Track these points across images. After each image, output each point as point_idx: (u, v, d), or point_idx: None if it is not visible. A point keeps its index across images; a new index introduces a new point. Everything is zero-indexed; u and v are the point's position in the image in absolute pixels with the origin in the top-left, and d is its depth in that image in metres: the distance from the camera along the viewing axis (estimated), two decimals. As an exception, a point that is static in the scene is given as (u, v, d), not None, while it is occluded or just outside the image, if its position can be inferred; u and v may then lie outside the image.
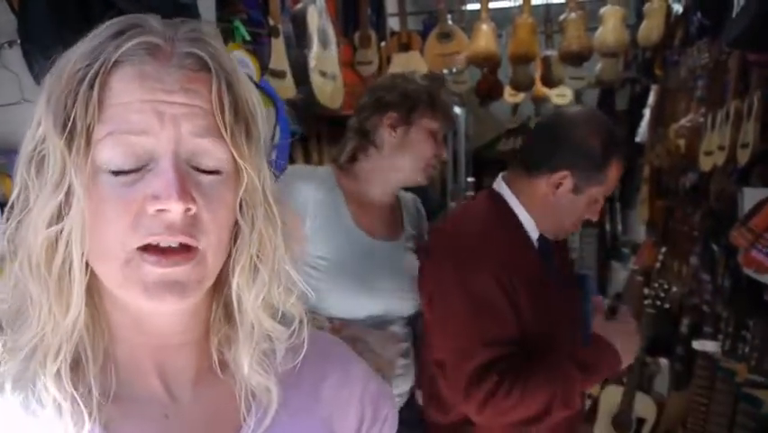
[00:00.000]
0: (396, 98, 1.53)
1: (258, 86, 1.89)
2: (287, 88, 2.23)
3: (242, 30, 1.93)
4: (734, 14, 1.83)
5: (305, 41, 2.43)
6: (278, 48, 2.20)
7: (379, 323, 1.50)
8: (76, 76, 0.53)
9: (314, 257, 1.44)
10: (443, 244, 1.43)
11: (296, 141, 2.55)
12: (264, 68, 2.07)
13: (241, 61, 1.90)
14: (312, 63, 2.42)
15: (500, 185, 1.46)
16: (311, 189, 1.47)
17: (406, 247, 1.61)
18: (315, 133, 2.89)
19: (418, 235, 1.67)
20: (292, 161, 2.55)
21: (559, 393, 1.28)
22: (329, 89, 2.50)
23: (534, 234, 1.43)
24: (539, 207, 1.41)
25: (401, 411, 1.52)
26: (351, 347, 1.39)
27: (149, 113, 0.53)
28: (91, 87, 0.52)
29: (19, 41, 1.26)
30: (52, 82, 0.55)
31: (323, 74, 2.48)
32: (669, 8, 3.27)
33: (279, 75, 2.20)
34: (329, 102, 2.50)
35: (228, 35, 1.93)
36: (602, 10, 3.68)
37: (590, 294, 1.46)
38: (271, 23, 2.16)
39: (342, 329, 1.43)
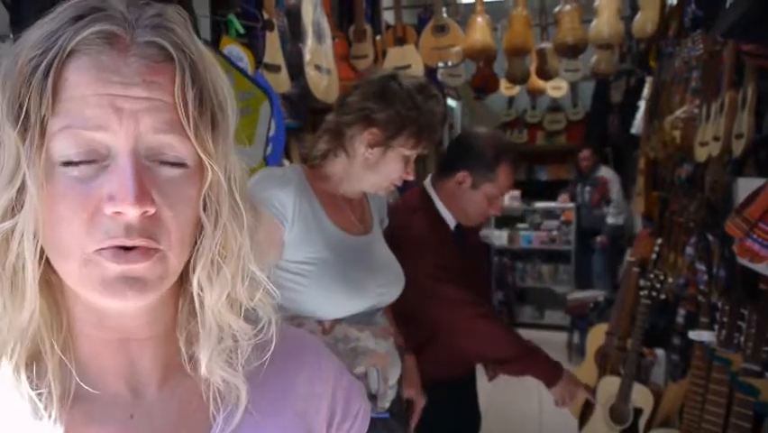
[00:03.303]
0: (384, 118, 1.44)
1: (253, 80, 1.89)
2: (282, 82, 2.22)
3: (236, 23, 1.92)
4: (728, 5, 1.83)
5: (299, 35, 2.43)
6: (272, 42, 2.19)
7: (365, 317, 1.49)
8: (30, 63, 0.50)
9: (297, 263, 1.40)
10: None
11: (291, 134, 2.55)
12: (259, 61, 2.07)
13: (235, 55, 1.89)
14: (307, 57, 2.42)
15: (428, 185, 1.93)
16: (288, 195, 1.40)
17: (379, 238, 1.60)
18: (311, 127, 2.89)
19: (382, 221, 1.68)
20: (287, 154, 2.55)
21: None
22: (324, 83, 2.50)
23: (451, 223, 1.91)
24: (449, 200, 1.89)
25: (392, 404, 1.55)
26: (343, 346, 1.40)
27: (106, 108, 0.50)
28: (45, 77, 0.49)
29: (11, 35, 1.25)
30: (8, 66, 0.51)
31: (318, 68, 2.48)
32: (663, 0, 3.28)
33: (274, 69, 2.20)
34: (324, 96, 2.50)
35: (222, 29, 1.93)
36: (597, 2, 3.68)
37: (491, 258, 2.49)
38: (266, 16, 2.16)
39: (333, 329, 1.43)
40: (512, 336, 1.85)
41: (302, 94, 2.46)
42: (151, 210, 0.51)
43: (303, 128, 2.82)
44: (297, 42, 2.42)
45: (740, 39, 1.95)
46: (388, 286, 1.54)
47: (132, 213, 0.50)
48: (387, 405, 1.50)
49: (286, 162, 2.25)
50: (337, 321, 1.43)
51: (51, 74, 0.50)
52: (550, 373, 1.84)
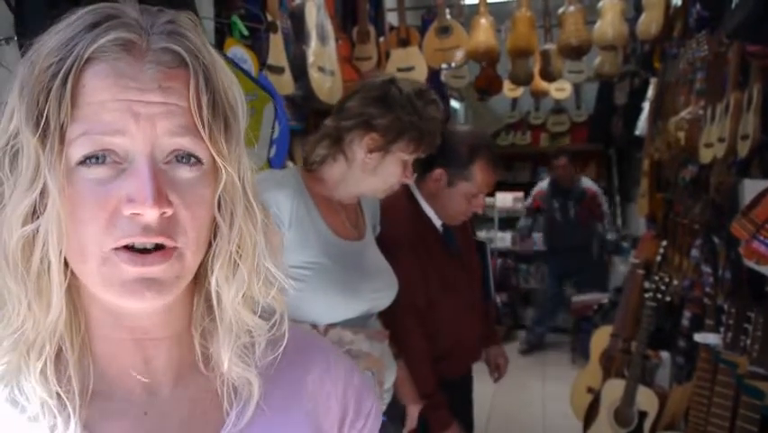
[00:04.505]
0: (385, 124, 1.45)
1: (256, 81, 1.89)
2: (285, 84, 2.22)
3: (240, 25, 1.92)
4: (733, 5, 1.83)
5: (303, 37, 2.43)
6: (276, 44, 2.19)
7: (360, 321, 1.49)
8: (48, 70, 0.51)
9: (293, 268, 1.39)
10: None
11: (294, 135, 2.54)
12: (262, 63, 2.06)
13: (239, 57, 1.89)
14: (310, 59, 2.42)
15: (413, 187, 1.90)
16: (286, 198, 1.41)
17: (372, 244, 1.60)
18: (314, 129, 2.89)
19: (374, 227, 1.67)
20: (291, 155, 2.55)
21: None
22: (327, 85, 2.50)
23: (437, 222, 1.91)
24: (430, 199, 1.89)
25: (388, 408, 1.55)
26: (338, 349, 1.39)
27: (124, 113, 0.51)
28: (64, 83, 0.51)
29: (16, 38, 1.25)
30: (25, 73, 0.53)
31: (321, 69, 2.48)
32: (668, 0, 3.27)
33: (278, 71, 2.20)
34: (327, 97, 2.50)
35: (226, 31, 1.93)
36: (601, 3, 3.68)
37: (487, 257, 2.27)
38: (269, 18, 2.16)
39: (327, 333, 1.42)
40: (433, 376, 1.84)
41: (305, 96, 2.46)
42: (169, 211, 0.52)
43: (306, 130, 2.82)
44: (300, 44, 2.42)
45: (746, 39, 1.94)
46: (382, 291, 1.54)
47: (150, 214, 0.51)
48: (383, 408, 1.50)
49: (290, 164, 2.25)
50: (332, 325, 1.43)
51: (70, 81, 0.51)
52: (446, 417, 1.85)
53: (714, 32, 2.46)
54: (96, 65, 0.52)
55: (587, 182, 5.30)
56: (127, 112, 0.51)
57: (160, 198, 0.51)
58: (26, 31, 1.24)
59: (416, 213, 1.91)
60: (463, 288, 2.00)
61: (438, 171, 1.86)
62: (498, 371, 2.25)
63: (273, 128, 1.94)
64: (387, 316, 1.66)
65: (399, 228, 1.81)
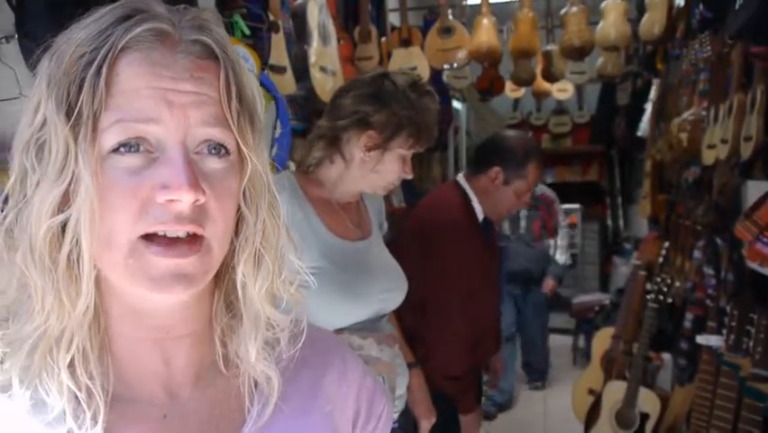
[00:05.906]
0: (381, 120, 1.41)
1: (258, 81, 1.88)
2: (287, 84, 2.22)
3: (242, 24, 1.92)
4: (737, 6, 1.82)
5: (305, 37, 2.42)
6: (278, 43, 2.18)
7: (370, 324, 1.45)
8: (80, 60, 0.52)
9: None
10: (426, 218, 2.03)
11: (295, 135, 2.54)
12: (264, 63, 2.06)
13: (241, 56, 1.89)
14: (312, 59, 2.41)
15: (461, 180, 2.10)
16: (281, 203, 1.38)
17: (378, 242, 1.57)
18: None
19: (381, 225, 1.64)
20: (292, 156, 2.55)
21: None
22: (329, 85, 2.49)
23: (480, 216, 2.05)
24: (483, 196, 2.04)
25: (399, 415, 1.52)
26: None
27: (158, 100, 0.52)
28: (98, 72, 0.51)
29: (16, 36, 1.25)
30: (52, 66, 0.53)
31: (323, 69, 2.47)
32: (671, 1, 3.26)
33: (280, 70, 2.19)
34: (329, 98, 2.48)
35: (227, 30, 1.92)
36: (603, 4, 3.67)
37: (501, 258, 2.48)
38: (271, 18, 2.15)
39: None
40: (468, 360, 1.94)
41: (307, 96, 2.45)
42: (202, 199, 0.53)
43: (308, 130, 2.82)
44: (302, 44, 2.42)
45: (749, 40, 1.93)
46: (390, 291, 1.50)
47: (186, 199, 0.51)
48: (395, 415, 1.47)
49: (291, 164, 2.24)
50: (339, 330, 1.40)
51: (104, 69, 0.51)
52: (472, 402, 1.98)
53: (717, 32, 2.45)
54: (130, 54, 0.53)
55: (543, 188, 4.43)
56: (161, 100, 0.52)
57: (195, 184, 0.52)
58: (27, 29, 1.24)
59: (466, 206, 2.04)
60: (496, 281, 2.19)
61: (496, 170, 2.02)
62: (495, 376, 2.27)
63: (275, 128, 1.93)
64: (431, 301, 1.77)
65: (452, 216, 1.98)
